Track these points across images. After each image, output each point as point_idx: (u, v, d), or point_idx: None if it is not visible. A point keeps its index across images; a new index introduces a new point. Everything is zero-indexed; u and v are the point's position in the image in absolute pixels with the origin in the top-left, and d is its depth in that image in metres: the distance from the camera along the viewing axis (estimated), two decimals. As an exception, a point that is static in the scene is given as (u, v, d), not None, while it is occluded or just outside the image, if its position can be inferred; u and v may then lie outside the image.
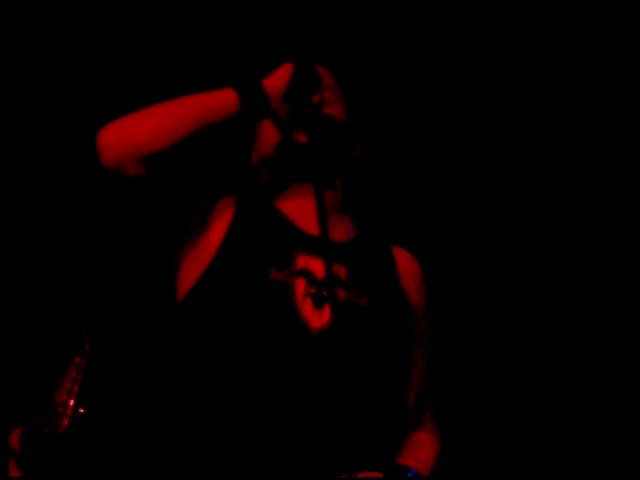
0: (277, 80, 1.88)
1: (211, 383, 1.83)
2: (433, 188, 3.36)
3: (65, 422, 1.88)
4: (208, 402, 1.82)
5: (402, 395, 2.00)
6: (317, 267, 1.92)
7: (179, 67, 2.95)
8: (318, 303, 1.87)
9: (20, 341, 2.70)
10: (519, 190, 3.38)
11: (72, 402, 1.89)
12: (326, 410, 1.78)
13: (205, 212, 1.94)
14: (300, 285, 1.87)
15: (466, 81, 3.35)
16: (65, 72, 2.90)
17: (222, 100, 1.83)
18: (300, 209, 1.99)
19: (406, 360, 2.00)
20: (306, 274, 1.89)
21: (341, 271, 1.93)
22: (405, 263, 2.07)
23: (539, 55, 3.30)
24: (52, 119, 2.82)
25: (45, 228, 2.73)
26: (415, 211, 3.12)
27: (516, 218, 3.40)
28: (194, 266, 1.91)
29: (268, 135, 2.01)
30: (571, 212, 3.37)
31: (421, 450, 2.01)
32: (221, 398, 1.80)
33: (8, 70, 2.87)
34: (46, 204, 2.77)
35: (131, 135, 1.76)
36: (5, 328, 2.72)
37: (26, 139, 2.82)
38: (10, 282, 2.72)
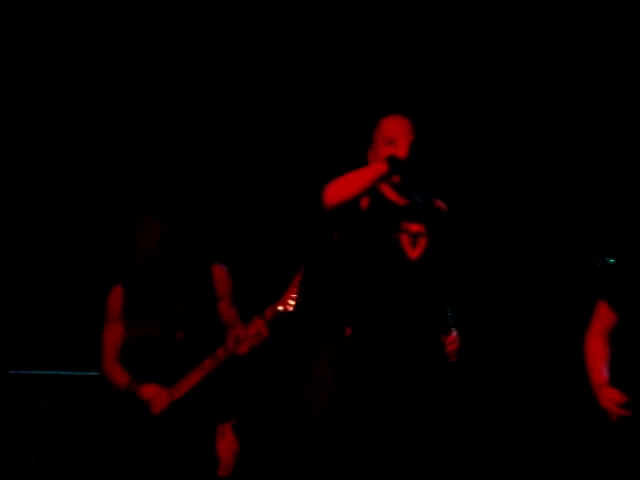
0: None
1: (361, 286, 3.74)
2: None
3: (293, 303, 3.87)
4: (360, 293, 3.73)
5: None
6: (411, 226, 3.73)
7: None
8: (413, 245, 3.73)
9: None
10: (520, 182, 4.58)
11: (294, 295, 3.86)
12: (417, 299, 3.74)
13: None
14: (404, 238, 3.72)
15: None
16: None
17: (381, 170, 3.59)
18: (391, 192, 3.79)
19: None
20: (407, 230, 3.73)
21: (422, 228, 3.74)
22: (443, 208, 3.88)
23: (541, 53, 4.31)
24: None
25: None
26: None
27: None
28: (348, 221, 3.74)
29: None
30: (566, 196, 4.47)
31: None
32: (366, 293, 3.73)
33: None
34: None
35: (346, 192, 3.60)
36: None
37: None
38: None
